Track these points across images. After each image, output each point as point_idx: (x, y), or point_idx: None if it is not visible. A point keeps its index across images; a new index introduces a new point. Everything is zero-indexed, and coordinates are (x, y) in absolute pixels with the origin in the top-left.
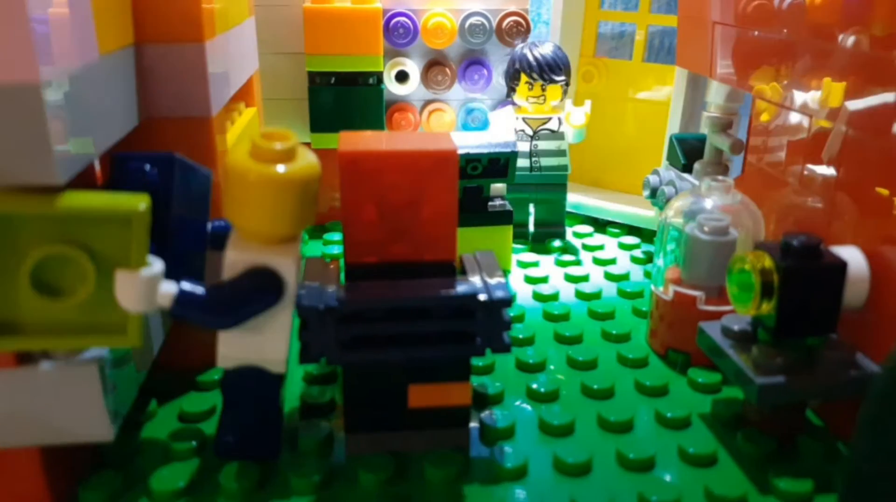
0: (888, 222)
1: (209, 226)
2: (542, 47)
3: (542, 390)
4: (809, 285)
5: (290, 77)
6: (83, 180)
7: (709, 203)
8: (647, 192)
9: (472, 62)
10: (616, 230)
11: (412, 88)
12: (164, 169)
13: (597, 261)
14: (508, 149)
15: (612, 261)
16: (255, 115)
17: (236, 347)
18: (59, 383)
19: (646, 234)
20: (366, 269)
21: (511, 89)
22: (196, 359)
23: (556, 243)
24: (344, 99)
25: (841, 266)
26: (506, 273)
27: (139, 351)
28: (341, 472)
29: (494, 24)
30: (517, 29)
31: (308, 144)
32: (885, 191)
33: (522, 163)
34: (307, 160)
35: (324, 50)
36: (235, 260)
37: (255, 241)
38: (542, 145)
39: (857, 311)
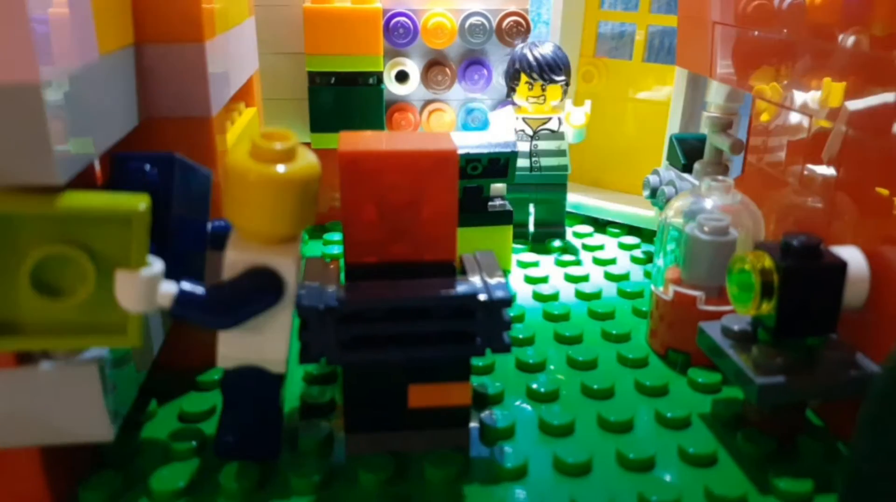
0: (888, 222)
1: (209, 226)
2: (542, 47)
3: (542, 390)
4: (809, 285)
5: (290, 77)
6: (83, 180)
7: (709, 203)
8: (647, 192)
9: (472, 62)
10: (616, 230)
11: (412, 88)
12: (164, 169)
13: (597, 261)
14: (508, 149)
15: (612, 261)
16: (255, 115)
17: (236, 347)
18: (59, 383)
19: (646, 234)
20: (366, 269)
21: (511, 89)
22: (196, 359)
23: (556, 243)
24: (344, 99)
25: (841, 266)
26: (506, 273)
27: (139, 351)
28: (341, 472)
29: (494, 24)
30: (517, 29)
31: (308, 144)
32: (885, 191)
33: (522, 163)
34: (307, 160)
35: (324, 50)
36: (235, 260)
37: (255, 241)
38: (542, 145)
39: (857, 311)
